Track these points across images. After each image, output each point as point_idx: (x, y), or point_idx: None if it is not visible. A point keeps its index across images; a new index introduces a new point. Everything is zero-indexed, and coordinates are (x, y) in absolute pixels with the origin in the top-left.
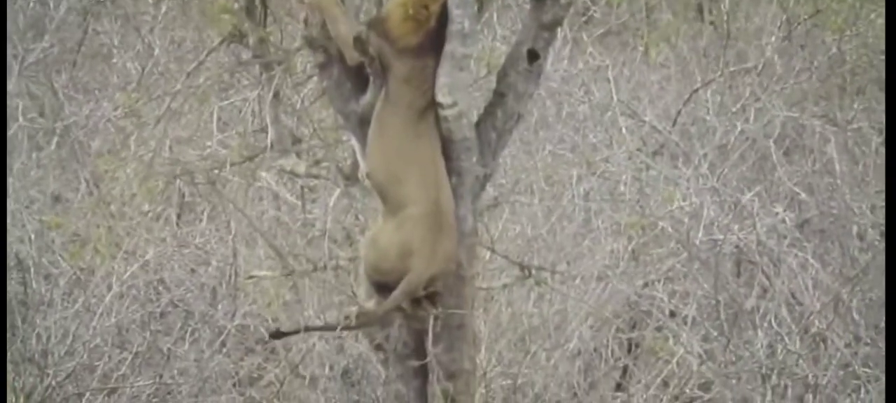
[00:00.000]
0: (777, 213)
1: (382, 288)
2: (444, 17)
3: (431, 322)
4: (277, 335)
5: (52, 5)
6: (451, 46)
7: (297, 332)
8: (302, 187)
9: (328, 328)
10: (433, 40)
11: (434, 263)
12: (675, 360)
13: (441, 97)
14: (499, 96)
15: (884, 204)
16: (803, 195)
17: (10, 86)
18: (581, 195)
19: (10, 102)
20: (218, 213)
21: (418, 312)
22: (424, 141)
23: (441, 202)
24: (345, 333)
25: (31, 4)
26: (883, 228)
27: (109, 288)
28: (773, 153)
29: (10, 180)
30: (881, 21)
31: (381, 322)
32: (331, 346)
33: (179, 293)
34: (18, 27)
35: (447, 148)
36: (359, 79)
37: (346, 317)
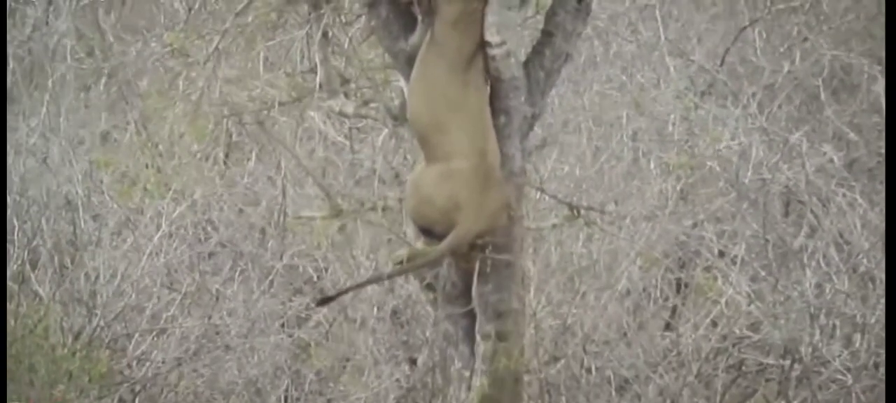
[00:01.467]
0: (825, 153)
1: (426, 231)
2: None
3: (479, 262)
4: (324, 301)
5: None
6: None
7: (343, 293)
8: (350, 127)
9: (374, 280)
10: None
11: (481, 219)
12: (723, 300)
13: (489, 36)
14: (547, 35)
15: None
16: (851, 134)
17: (60, 25)
18: (629, 135)
19: (60, 42)
20: (266, 154)
21: (467, 254)
22: (471, 89)
23: (488, 155)
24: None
25: None
26: None
27: (158, 228)
28: (821, 92)
29: (60, 120)
30: None
31: (431, 265)
32: (379, 287)
33: (228, 233)
34: None
35: (495, 87)
36: (407, 18)
37: (397, 262)
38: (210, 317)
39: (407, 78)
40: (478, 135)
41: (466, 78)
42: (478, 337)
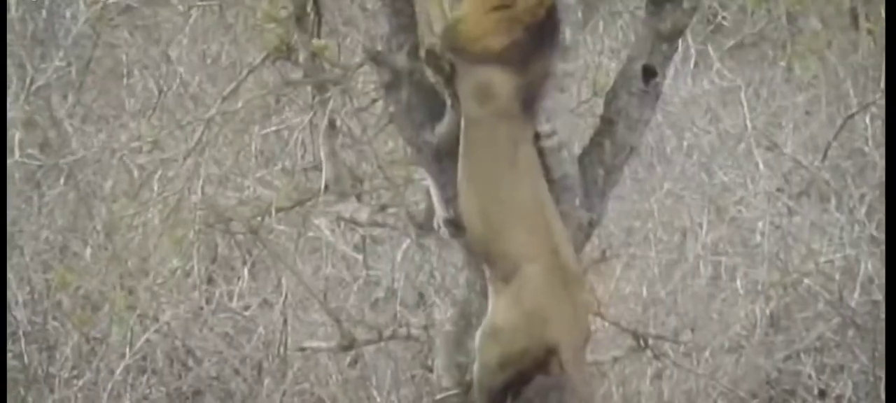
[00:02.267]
0: None
1: (516, 384)
2: (551, 17)
3: None
4: None
5: (68, 16)
6: None
7: None
8: (364, 238)
9: None
10: (531, 42)
11: (578, 325)
12: None
13: (538, 124)
14: (607, 123)
15: None
16: None
17: (7, 112)
18: (708, 246)
19: (7, 133)
20: (261, 270)
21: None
22: (524, 177)
23: (561, 250)
24: None
25: (43, 14)
26: None
27: (122, 358)
28: None
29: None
30: None
31: None
32: None
33: (213, 368)
34: (24, 43)
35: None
36: (434, 101)
37: None
38: None
39: (434, 176)
40: (543, 229)
41: (516, 163)
42: None
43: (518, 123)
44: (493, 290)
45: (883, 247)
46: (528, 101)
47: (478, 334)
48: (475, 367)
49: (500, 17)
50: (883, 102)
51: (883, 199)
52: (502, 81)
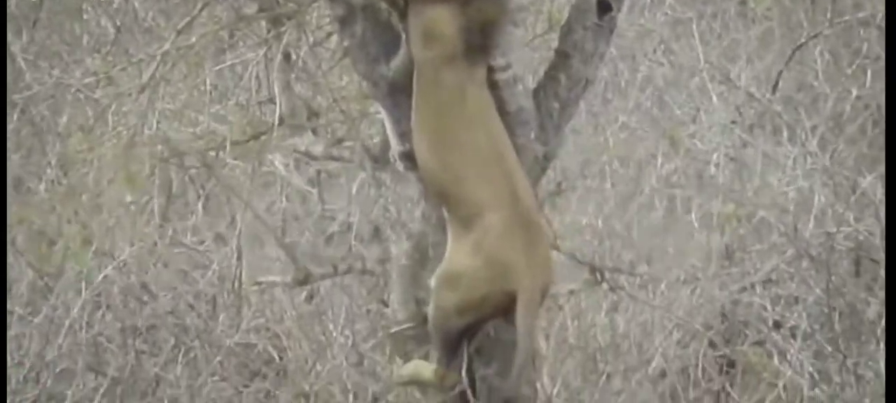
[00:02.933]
0: None
1: (472, 328)
2: None
3: (481, 338)
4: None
5: None
6: None
7: None
8: (319, 172)
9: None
10: None
11: (540, 271)
12: (781, 383)
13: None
14: (562, 57)
15: None
16: None
17: None
18: (663, 179)
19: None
20: (215, 205)
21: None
22: (477, 113)
23: (521, 196)
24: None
25: None
26: None
27: (79, 295)
28: None
29: None
30: None
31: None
32: (355, 367)
33: (169, 303)
34: None
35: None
36: (389, 34)
37: (403, 382)
38: None
39: (388, 109)
40: (503, 175)
41: (465, 108)
42: None
43: (463, 67)
44: (452, 234)
45: (836, 179)
46: (475, 44)
47: (435, 277)
48: (430, 309)
49: None
50: (831, 33)
51: (836, 129)
52: (446, 22)
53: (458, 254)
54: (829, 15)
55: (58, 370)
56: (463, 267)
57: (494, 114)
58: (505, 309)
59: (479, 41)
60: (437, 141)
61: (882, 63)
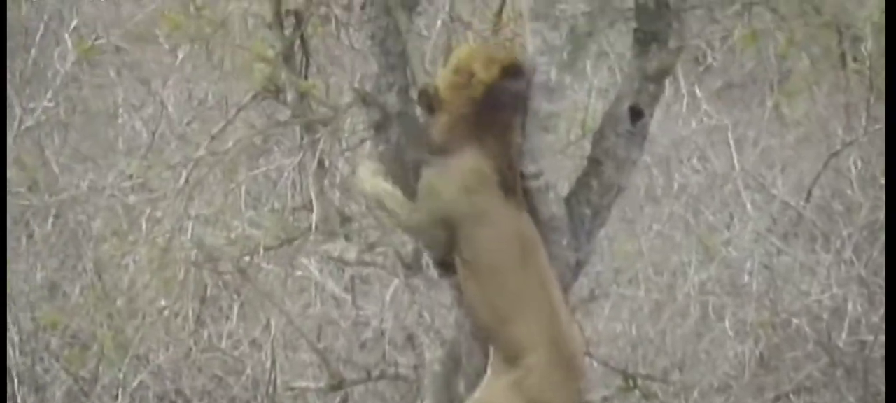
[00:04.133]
0: None
1: None
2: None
3: None
4: None
5: (56, 56)
6: (535, 102)
7: None
8: (352, 277)
9: None
10: (480, 120)
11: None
12: None
13: (524, 165)
14: (594, 163)
15: None
16: None
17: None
18: (697, 287)
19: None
20: (250, 310)
21: None
22: (529, 261)
23: (563, 340)
24: None
25: (32, 54)
26: None
27: (115, 399)
28: None
29: None
30: None
31: None
32: None
33: None
34: (14, 83)
35: None
36: (423, 142)
37: None
38: None
39: None
40: (548, 315)
41: (523, 251)
42: None
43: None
44: (493, 367)
45: (870, 287)
46: (510, 183)
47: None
48: None
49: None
50: (866, 141)
51: (871, 238)
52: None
53: (495, 388)
54: (863, 122)
55: None
56: (499, 401)
57: (543, 251)
58: None
59: (512, 182)
60: (488, 290)
61: None
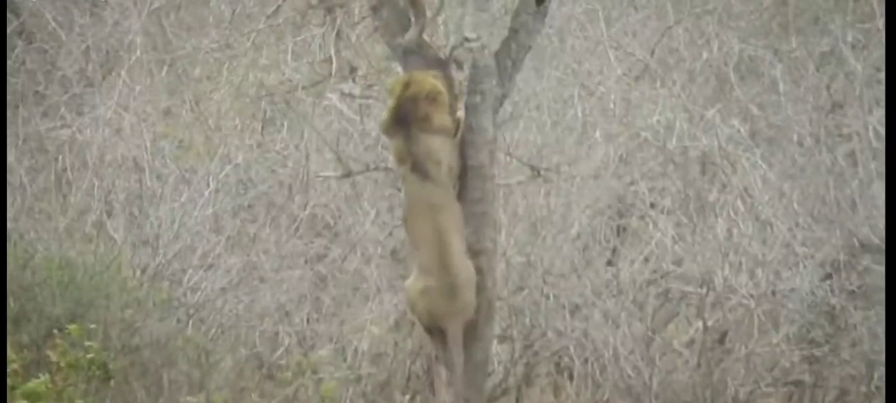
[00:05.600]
0: (733, 125)
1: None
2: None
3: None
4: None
5: None
6: None
7: None
8: (359, 105)
9: None
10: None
11: (459, 316)
12: (653, 242)
13: (468, 33)
14: (513, 32)
15: (816, 113)
16: (755, 110)
17: (132, 24)
18: (579, 111)
19: (132, 39)
20: (293, 126)
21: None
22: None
23: (451, 268)
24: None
25: None
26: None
27: (208, 185)
28: (731, 77)
29: (130, 99)
30: None
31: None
32: (381, 229)
33: (263, 188)
34: None
35: (473, 73)
36: (404, 18)
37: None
38: (248, 256)
39: (404, 66)
40: (438, 257)
41: (431, 210)
42: None
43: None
44: (416, 269)
45: (691, 112)
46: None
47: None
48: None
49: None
50: (690, 18)
51: (691, 80)
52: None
53: (413, 288)
54: (689, 5)
55: (194, 231)
56: (413, 301)
57: (446, 211)
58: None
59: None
60: (409, 216)
61: (721, 38)
